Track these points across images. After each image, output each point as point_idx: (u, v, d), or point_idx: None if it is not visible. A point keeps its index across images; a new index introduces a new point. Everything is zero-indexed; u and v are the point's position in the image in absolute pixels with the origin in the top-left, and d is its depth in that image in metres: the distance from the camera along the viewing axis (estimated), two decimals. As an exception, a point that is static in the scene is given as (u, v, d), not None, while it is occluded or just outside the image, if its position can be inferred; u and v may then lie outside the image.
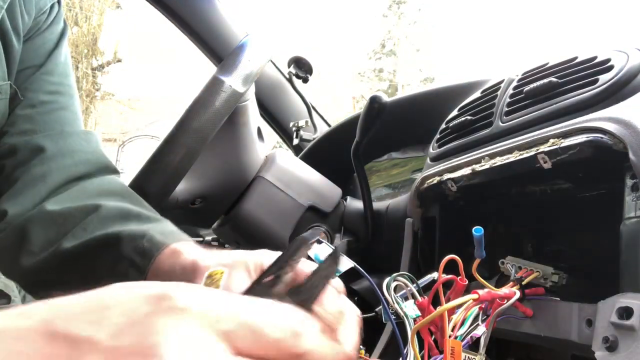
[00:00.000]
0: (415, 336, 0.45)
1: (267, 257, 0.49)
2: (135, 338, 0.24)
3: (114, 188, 0.69)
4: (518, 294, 0.52)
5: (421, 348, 0.47)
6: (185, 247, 0.55)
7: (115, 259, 0.57)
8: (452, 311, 0.46)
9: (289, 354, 0.26)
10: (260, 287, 0.32)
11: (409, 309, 0.50)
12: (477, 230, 0.47)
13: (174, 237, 0.58)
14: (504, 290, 0.52)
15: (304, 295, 0.31)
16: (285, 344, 0.26)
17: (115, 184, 0.70)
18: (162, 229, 0.60)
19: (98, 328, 0.25)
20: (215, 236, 1.43)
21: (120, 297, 0.27)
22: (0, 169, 0.66)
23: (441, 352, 0.45)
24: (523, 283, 0.54)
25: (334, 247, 0.36)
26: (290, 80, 1.47)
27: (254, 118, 0.96)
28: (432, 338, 0.48)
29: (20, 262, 0.62)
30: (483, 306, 0.51)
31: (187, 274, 0.50)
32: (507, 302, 0.51)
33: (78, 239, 0.60)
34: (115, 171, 0.73)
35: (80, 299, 0.27)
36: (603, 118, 0.49)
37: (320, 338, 0.28)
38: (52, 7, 0.73)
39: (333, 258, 0.33)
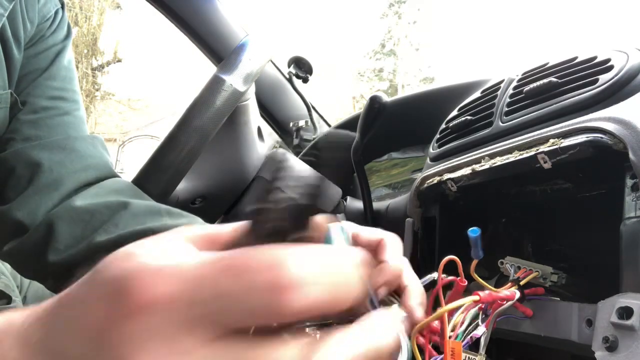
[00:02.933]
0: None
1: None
2: None
3: (130, 188, 0.69)
4: (518, 294, 0.52)
5: (420, 348, 0.47)
6: None
7: None
8: (451, 312, 0.46)
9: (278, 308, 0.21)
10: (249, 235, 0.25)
11: None
12: (473, 232, 0.46)
13: None
14: (505, 292, 0.52)
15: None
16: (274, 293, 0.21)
17: (129, 184, 0.70)
18: (201, 222, 0.60)
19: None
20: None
21: (78, 307, 0.23)
22: (9, 172, 0.66)
23: (440, 353, 0.45)
24: (521, 283, 0.54)
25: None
26: (290, 80, 1.47)
27: (254, 117, 0.96)
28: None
29: (47, 259, 0.61)
30: (483, 306, 0.51)
31: None
32: (507, 302, 0.51)
33: (111, 234, 0.60)
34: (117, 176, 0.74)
35: (42, 317, 0.24)
36: (603, 118, 0.49)
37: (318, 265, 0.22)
38: (56, 12, 0.72)
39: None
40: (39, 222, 0.63)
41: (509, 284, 0.54)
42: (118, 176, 0.72)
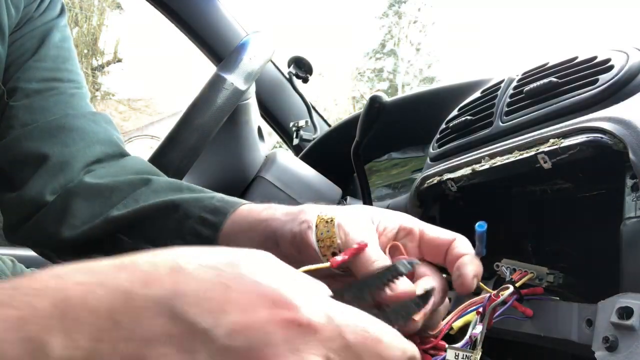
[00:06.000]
0: None
1: (387, 215, 0.47)
2: (249, 344, 0.25)
3: (151, 168, 0.67)
4: (511, 288, 0.52)
5: None
6: (265, 206, 0.53)
7: (180, 218, 0.56)
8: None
9: None
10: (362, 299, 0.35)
11: None
12: (481, 226, 0.45)
13: (243, 200, 0.57)
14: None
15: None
16: None
17: (149, 164, 0.68)
18: (224, 196, 0.59)
19: (216, 323, 0.25)
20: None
21: (241, 289, 0.26)
22: (13, 160, 0.64)
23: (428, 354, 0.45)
24: (517, 285, 0.54)
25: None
26: (290, 80, 1.47)
27: (254, 117, 0.96)
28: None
29: (62, 236, 0.60)
30: (480, 310, 0.51)
31: (290, 219, 0.48)
32: (501, 297, 0.50)
33: (129, 208, 0.59)
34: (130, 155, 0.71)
35: (202, 280, 0.27)
36: (603, 118, 0.49)
37: None
38: None
39: (426, 297, 0.39)
40: (55, 198, 0.62)
41: (505, 285, 0.54)
42: (128, 153, 0.70)
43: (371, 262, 0.42)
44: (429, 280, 0.44)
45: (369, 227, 0.46)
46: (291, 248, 0.46)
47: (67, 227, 0.60)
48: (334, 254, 0.44)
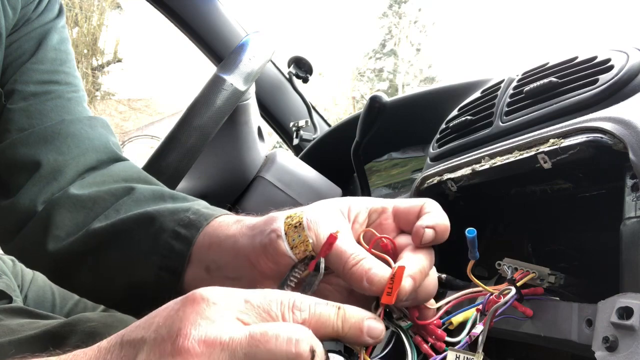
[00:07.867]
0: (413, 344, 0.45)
1: (353, 201, 0.48)
2: (169, 327, 0.33)
3: (139, 174, 0.67)
4: (514, 290, 0.52)
5: (418, 349, 0.47)
6: (236, 219, 0.53)
7: (156, 232, 0.56)
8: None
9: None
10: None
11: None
12: (470, 232, 0.46)
13: (220, 211, 0.57)
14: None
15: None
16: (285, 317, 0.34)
17: (138, 170, 0.68)
18: (205, 205, 0.59)
19: (147, 330, 0.34)
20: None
21: (165, 306, 0.35)
22: (8, 166, 0.64)
23: (437, 354, 0.45)
24: (518, 284, 0.53)
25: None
26: (290, 80, 1.47)
27: (254, 117, 0.96)
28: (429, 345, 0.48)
29: (46, 248, 0.60)
30: (481, 308, 0.51)
31: (258, 232, 0.47)
32: (503, 299, 0.50)
33: (110, 219, 0.59)
34: (125, 160, 0.70)
35: (144, 317, 0.36)
36: (603, 118, 0.49)
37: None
38: None
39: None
40: (39, 212, 0.61)
41: (506, 283, 0.54)
42: (123, 158, 0.70)
43: (347, 257, 0.42)
44: (409, 253, 0.44)
45: (338, 220, 0.45)
46: (267, 262, 0.46)
47: (52, 240, 0.60)
48: (312, 257, 0.44)
